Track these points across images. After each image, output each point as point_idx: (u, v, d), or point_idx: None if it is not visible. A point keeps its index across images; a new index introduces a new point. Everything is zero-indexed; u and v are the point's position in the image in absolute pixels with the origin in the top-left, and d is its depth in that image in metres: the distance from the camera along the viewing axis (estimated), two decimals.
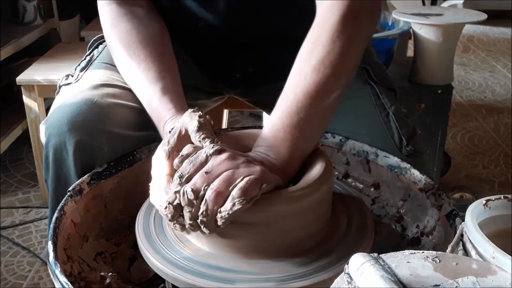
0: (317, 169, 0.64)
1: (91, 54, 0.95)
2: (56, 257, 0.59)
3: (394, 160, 0.77)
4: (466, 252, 0.53)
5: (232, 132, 0.73)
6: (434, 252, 0.46)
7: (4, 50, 1.92)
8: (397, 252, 0.46)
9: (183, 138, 0.64)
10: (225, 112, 1.77)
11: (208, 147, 0.60)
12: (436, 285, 0.41)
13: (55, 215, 0.66)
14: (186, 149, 0.61)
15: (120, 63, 0.83)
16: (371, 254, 0.45)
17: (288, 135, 0.64)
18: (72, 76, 0.88)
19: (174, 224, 0.60)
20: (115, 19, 0.83)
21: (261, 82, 1.00)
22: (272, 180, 0.60)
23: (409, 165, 0.75)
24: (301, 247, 0.62)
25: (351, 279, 0.43)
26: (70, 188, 0.71)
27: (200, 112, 0.65)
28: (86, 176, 0.74)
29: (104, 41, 0.94)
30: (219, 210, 0.56)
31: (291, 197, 0.60)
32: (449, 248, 0.55)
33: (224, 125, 1.74)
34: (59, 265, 0.58)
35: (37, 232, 1.75)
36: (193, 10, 0.88)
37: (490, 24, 4.07)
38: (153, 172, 0.64)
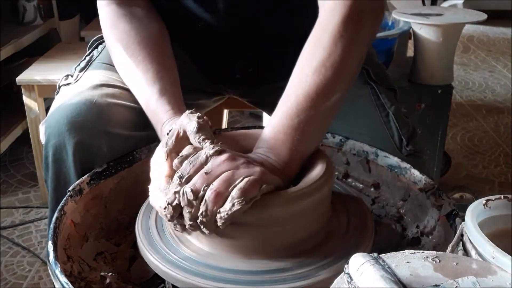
0: (317, 170, 0.64)
1: (91, 54, 0.95)
2: (56, 257, 0.59)
3: (394, 160, 0.77)
4: (466, 252, 0.53)
5: (232, 132, 0.73)
6: (434, 252, 0.46)
7: (4, 50, 1.92)
8: (397, 252, 0.46)
9: (182, 140, 0.63)
10: (225, 112, 1.77)
11: (208, 148, 0.60)
12: (436, 285, 0.41)
13: (55, 215, 0.66)
14: (186, 150, 0.61)
15: (118, 64, 0.83)
16: (371, 254, 0.45)
17: (289, 137, 0.64)
18: (72, 76, 0.88)
19: (174, 225, 0.60)
20: (114, 20, 0.83)
21: (261, 82, 1.00)
22: (272, 181, 0.60)
23: (409, 165, 0.75)
24: (301, 247, 0.62)
25: (351, 279, 0.43)
26: (70, 188, 0.71)
27: (198, 113, 0.65)
28: (86, 176, 0.74)
29: (104, 41, 0.94)
30: (218, 210, 0.56)
31: (290, 198, 0.60)
32: (449, 248, 0.55)
33: (224, 125, 1.74)
34: (59, 265, 0.58)
35: (37, 232, 1.75)
36: (193, 10, 0.88)
37: (490, 24, 4.07)
38: (152, 174, 0.64)
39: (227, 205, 0.56)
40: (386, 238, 0.74)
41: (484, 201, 0.55)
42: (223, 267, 0.60)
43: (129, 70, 0.80)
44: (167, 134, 0.65)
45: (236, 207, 0.56)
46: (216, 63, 0.98)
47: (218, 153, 0.59)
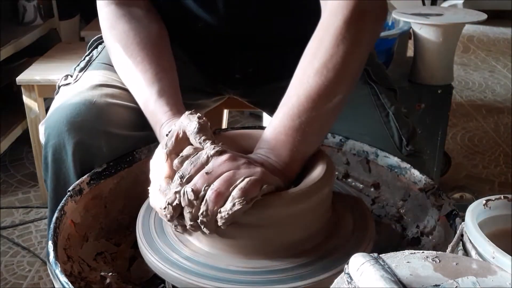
0: (318, 171, 0.64)
1: (90, 54, 0.95)
2: (56, 257, 0.59)
3: (394, 160, 0.77)
4: (466, 252, 0.53)
5: (232, 132, 0.73)
6: (434, 252, 0.46)
7: (4, 50, 1.92)
8: (397, 252, 0.46)
9: (181, 141, 0.63)
10: (225, 112, 1.77)
11: (209, 148, 0.60)
12: (436, 285, 0.41)
13: (56, 215, 0.66)
14: (187, 151, 0.61)
15: (117, 64, 0.83)
16: (371, 254, 0.45)
17: (290, 137, 0.64)
18: (71, 76, 0.88)
19: (175, 225, 0.60)
20: (113, 20, 0.83)
21: (261, 83, 1.00)
22: (272, 181, 0.60)
23: (409, 165, 0.75)
24: (301, 247, 0.62)
25: (351, 279, 0.43)
26: (70, 188, 0.71)
27: (199, 114, 0.65)
28: (86, 176, 0.74)
29: (104, 41, 0.94)
30: (219, 210, 0.56)
31: (291, 199, 0.60)
32: (449, 248, 0.55)
33: (224, 125, 1.74)
34: (59, 265, 0.58)
35: (37, 232, 1.75)
36: (193, 10, 0.88)
37: (490, 24, 4.07)
38: (151, 175, 0.64)
39: (228, 205, 0.56)
40: (386, 238, 0.74)
41: (484, 201, 0.55)
42: (223, 267, 0.60)
43: (128, 71, 0.80)
44: (166, 135, 0.65)
45: (237, 207, 0.56)
46: (216, 63, 0.98)
47: (219, 153, 0.59)
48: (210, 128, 0.65)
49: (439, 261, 0.44)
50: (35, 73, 1.75)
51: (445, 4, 2.33)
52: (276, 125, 0.65)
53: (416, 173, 0.74)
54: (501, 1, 4.04)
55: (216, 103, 1.12)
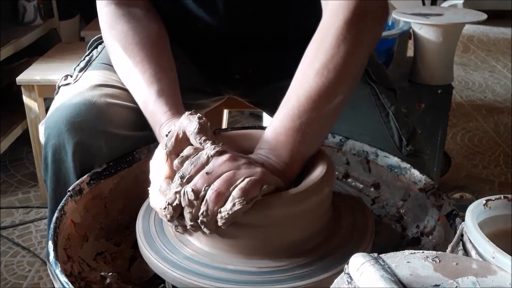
0: (318, 171, 0.64)
1: (90, 54, 0.95)
2: (56, 257, 0.59)
3: (394, 160, 0.77)
4: (466, 252, 0.53)
5: (232, 132, 0.73)
6: (434, 252, 0.46)
7: (4, 50, 1.92)
8: (397, 252, 0.46)
9: (181, 141, 0.63)
10: (225, 112, 1.77)
11: (209, 148, 0.60)
12: (436, 285, 0.41)
13: (56, 215, 0.66)
14: (187, 151, 0.61)
15: (117, 64, 0.83)
16: (371, 254, 0.45)
17: (290, 138, 0.64)
18: (71, 76, 0.88)
19: (175, 226, 0.60)
20: (113, 20, 0.83)
21: (260, 83, 1.00)
22: (272, 181, 0.60)
23: (409, 165, 0.75)
24: (301, 247, 0.62)
25: (351, 279, 0.43)
26: (70, 188, 0.71)
27: (199, 114, 0.65)
28: (85, 176, 0.74)
29: (103, 41, 0.94)
30: (219, 210, 0.56)
31: (291, 199, 0.60)
32: (449, 248, 0.55)
33: (224, 125, 1.74)
34: (59, 265, 0.58)
35: (37, 232, 1.75)
36: (193, 10, 0.88)
37: (490, 24, 4.07)
38: (151, 176, 0.64)
39: (228, 205, 0.56)
40: (386, 238, 0.74)
41: (484, 201, 0.55)
42: (223, 267, 0.60)
43: (127, 71, 0.80)
44: (166, 135, 0.65)
45: (237, 207, 0.56)
46: (216, 63, 0.98)
47: (219, 153, 0.59)
48: (210, 128, 0.65)
49: (439, 261, 0.44)
50: (35, 73, 1.75)
51: (445, 4, 2.33)
52: (276, 125, 0.65)
53: (416, 173, 0.74)
54: (501, 1, 4.04)
55: (216, 103, 1.12)
